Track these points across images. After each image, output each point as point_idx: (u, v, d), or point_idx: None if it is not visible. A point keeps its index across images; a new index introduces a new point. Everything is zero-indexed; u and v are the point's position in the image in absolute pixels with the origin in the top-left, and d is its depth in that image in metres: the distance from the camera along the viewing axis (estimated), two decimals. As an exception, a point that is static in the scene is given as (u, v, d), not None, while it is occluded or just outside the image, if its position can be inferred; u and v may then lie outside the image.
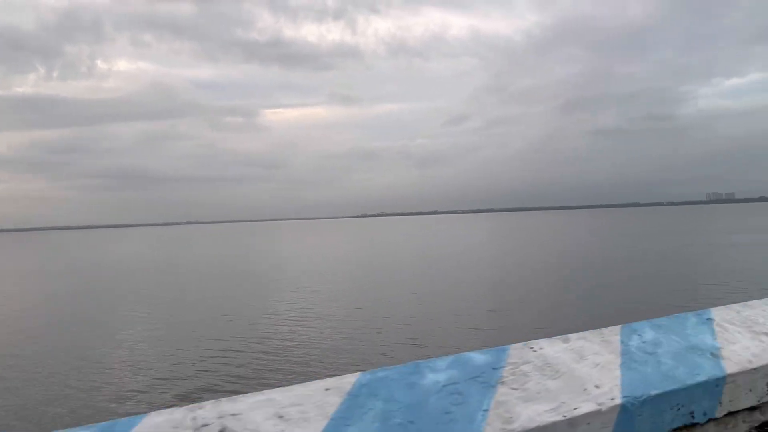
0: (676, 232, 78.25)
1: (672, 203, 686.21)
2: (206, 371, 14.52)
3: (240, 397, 1.39)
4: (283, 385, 1.38)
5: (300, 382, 1.44)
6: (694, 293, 24.41)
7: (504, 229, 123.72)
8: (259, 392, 1.41)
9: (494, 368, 1.77)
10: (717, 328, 2.21)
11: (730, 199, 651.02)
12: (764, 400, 2.05)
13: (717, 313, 2.38)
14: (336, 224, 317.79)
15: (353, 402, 1.43)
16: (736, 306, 2.46)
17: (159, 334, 19.85)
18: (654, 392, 1.70)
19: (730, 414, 1.96)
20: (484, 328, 18.94)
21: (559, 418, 1.51)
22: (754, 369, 1.97)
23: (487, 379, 1.70)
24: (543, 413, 1.51)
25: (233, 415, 1.32)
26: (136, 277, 41.65)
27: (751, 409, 2.09)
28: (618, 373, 1.76)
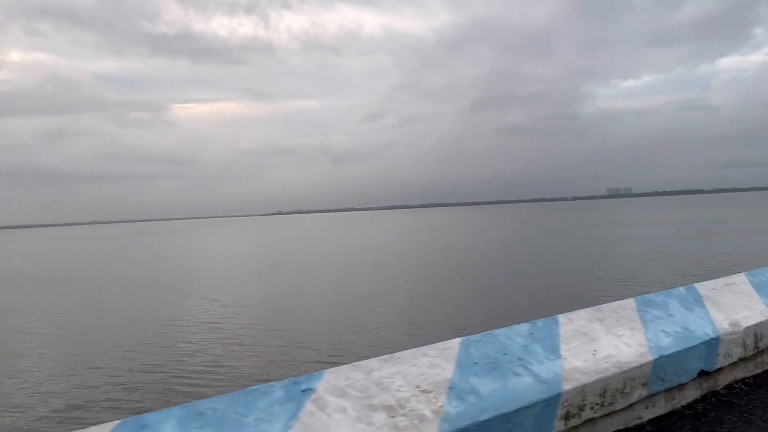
0: (582, 226, 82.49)
1: (575, 198, 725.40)
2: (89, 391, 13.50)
3: None
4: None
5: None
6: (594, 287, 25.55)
7: (419, 226, 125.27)
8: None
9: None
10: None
11: (627, 194, 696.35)
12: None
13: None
14: (251, 222, 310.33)
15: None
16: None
17: (48, 350, 18.41)
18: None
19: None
20: (391, 330, 18.87)
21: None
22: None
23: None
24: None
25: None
26: (25, 284, 38.66)
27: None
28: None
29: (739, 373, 3.64)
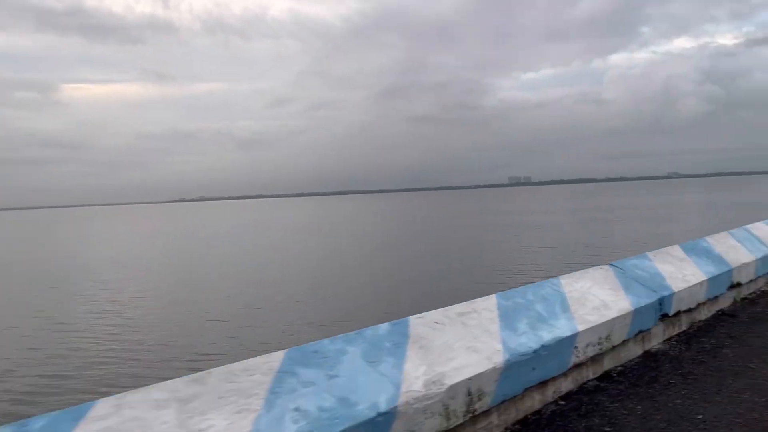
0: (477, 213, 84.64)
1: (479, 186, 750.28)
2: None
3: None
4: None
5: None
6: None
7: (326, 214, 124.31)
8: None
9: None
10: None
11: (527, 183, 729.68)
12: None
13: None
14: (151, 210, 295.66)
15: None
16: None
17: None
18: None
19: None
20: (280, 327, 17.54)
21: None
22: None
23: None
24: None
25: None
26: None
27: None
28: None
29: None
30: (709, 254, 5.77)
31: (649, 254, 5.20)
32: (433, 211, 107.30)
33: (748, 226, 7.11)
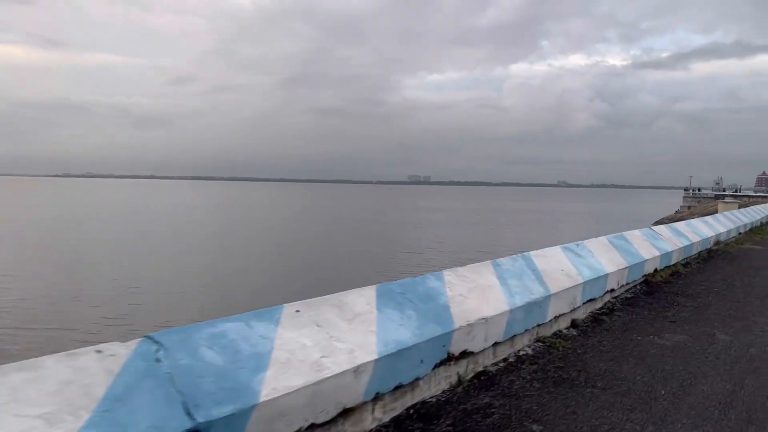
0: (375, 209, 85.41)
1: (380, 182, 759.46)
2: None
3: None
4: None
5: None
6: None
7: (219, 198, 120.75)
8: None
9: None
10: None
11: (427, 182, 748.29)
12: None
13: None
14: (30, 183, 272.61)
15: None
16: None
17: None
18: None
19: None
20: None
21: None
22: None
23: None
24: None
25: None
26: None
27: None
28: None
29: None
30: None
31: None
32: (330, 203, 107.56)
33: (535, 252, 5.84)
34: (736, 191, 79.43)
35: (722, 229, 12.87)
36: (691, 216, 53.14)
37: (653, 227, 9.64)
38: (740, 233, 14.74)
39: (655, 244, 8.40)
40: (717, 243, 11.72)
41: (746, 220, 16.48)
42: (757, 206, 24.70)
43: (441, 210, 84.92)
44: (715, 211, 45.89)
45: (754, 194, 73.66)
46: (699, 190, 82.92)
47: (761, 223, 18.87)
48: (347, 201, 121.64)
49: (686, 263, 9.29)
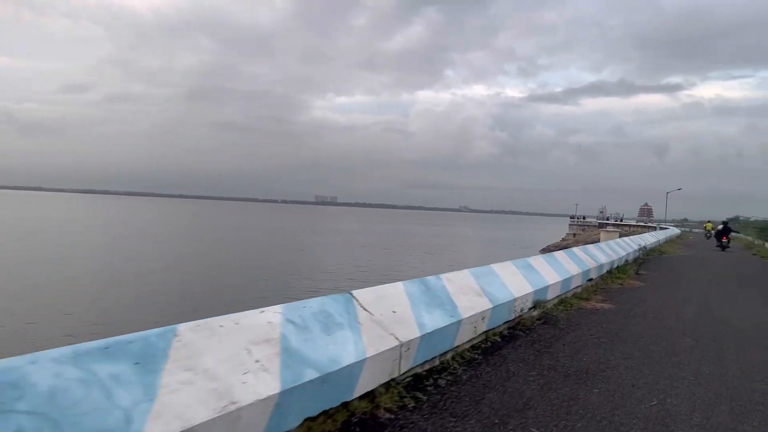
0: (280, 229, 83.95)
1: (285, 201, 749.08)
2: None
3: None
4: None
5: None
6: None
7: (117, 214, 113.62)
8: None
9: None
10: None
11: (333, 202, 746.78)
12: None
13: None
14: None
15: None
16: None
17: None
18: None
19: None
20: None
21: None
22: None
23: None
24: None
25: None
26: None
27: None
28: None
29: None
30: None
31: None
32: (226, 220, 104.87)
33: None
34: (620, 220, 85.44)
35: (553, 279, 8.17)
36: (576, 243, 56.89)
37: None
38: (590, 280, 10.68)
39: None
40: (535, 306, 7.17)
41: (603, 259, 12.32)
42: (633, 236, 26.17)
43: (342, 231, 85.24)
44: (598, 239, 49.57)
45: (635, 223, 79.81)
46: (584, 218, 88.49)
47: (626, 261, 15.34)
48: (243, 219, 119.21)
49: (475, 347, 5.44)
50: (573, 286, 9.48)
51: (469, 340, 5.35)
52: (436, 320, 4.73)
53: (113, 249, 41.75)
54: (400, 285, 4.90)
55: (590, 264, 11.03)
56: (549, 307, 7.89)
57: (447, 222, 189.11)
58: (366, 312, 4.09)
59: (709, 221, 62.91)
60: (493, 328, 5.92)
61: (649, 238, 24.36)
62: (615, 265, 13.66)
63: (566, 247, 14.89)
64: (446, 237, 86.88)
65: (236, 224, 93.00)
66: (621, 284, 11.78)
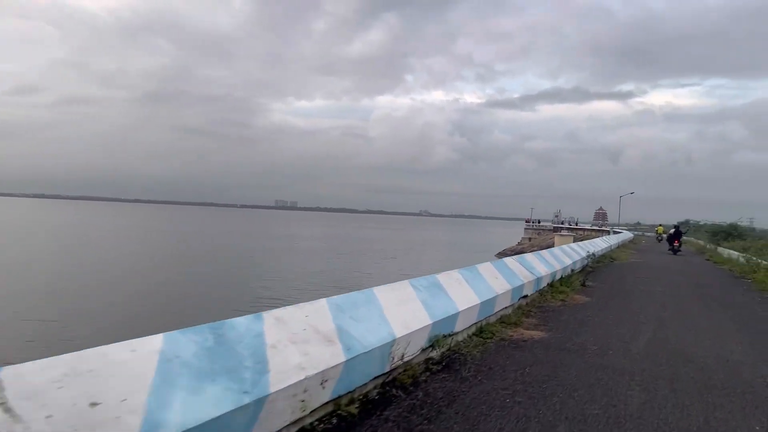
0: (251, 234, 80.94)
1: (245, 206, 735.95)
2: None
3: None
4: None
5: None
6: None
7: (68, 219, 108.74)
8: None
9: None
10: None
11: (294, 207, 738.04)
12: None
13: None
14: None
15: None
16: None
17: None
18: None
19: None
20: None
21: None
22: None
23: None
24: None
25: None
26: None
27: None
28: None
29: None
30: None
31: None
32: (177, 227, 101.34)
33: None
34: (575, 224, 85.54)
35: (467, 303, 6.32)
36: (531, 248, 55.97)
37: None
38: (524, 297, 8.87)
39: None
40: (433, 344, 5.27)
41: (542, 271, 10.39)
42: (584, 242, 23.96)
43: (296, 237, 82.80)
44: (554, 243, 48.58)
45: (589, 227, 79.75)
46: (539, 222, 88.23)
47: (572, 271, 13.52)
48: (197, 224, 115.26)
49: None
50: (499, 308, 7.58)
51: (291, 423, 3.32)
52: (204, 407, 2.70)
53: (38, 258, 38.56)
54: (144, 343, 2.84)
55: (525, 278, 9.16)
56: (458, 341, 5.94)
57: (406, 226, 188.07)
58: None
59: (660, 225, 64.01)
60: (349, 392, 3.90)
61: (600, 244, 22.94)
62: (558, 276, 11.90)
63: (521, 252, 13.72)
64: (400, 242, 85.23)
65: (187, 230, 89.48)
66: (563, 300, 10.01)
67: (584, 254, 16.32)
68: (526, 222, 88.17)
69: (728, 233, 32.82)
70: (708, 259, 25.68)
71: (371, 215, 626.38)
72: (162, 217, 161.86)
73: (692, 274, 17.90)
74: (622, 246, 33.32)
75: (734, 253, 23.63)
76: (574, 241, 25.36)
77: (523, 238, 79.52)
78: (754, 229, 34.33)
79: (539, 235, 75.76)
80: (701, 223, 77.30)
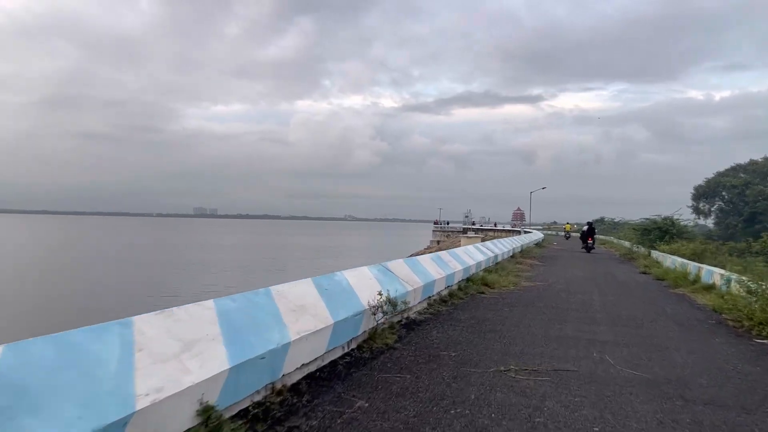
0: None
1: (161, 215, 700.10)
2: None
3: None
4: None
5: None
6: None
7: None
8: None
9: None
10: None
11: (214, 215, 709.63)
12: None
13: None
14: None
15: None
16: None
17: None
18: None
19: None
20: None
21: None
22: None
23: None
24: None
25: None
26: None
27: None
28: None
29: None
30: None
31: None
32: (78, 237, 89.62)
33: None
34: (487, 225, 78.79)
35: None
36: (440, 251, 47.35)
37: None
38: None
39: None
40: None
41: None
42: (488, 242, 18.09)
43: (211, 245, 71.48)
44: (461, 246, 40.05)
45: (499, 228, 72.25)
46: (447, 223, 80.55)
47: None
48: (101, 235, 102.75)
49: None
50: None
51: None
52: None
53: None
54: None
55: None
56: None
57: (327, 231, 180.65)
58: None
59: (567, 222, 59.19)
60: None
61: (477, 256, 13.49)
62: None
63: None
64: (305, 249, 75.11)
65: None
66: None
67: (407, 289, 6.98)
68: (435, 224, 79.94)
69: (665, 231, 24.34)
70: (645, 272, 16.97)
71: (295, 221, 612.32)
72: (67, 228, 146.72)
73: (635, 312, 8.78)
74: (524, 252, 24.32)
75: (688, 264, 14.98)
76: (482, 242, 19.36)
77: (431, 240, 71.11)
78: (687, 228, 26.08)
79: (448, 238, 67.49)
80: (616, 220, 70.81)
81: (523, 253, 23.18)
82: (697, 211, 64.27)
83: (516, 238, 27.59)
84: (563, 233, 52.36)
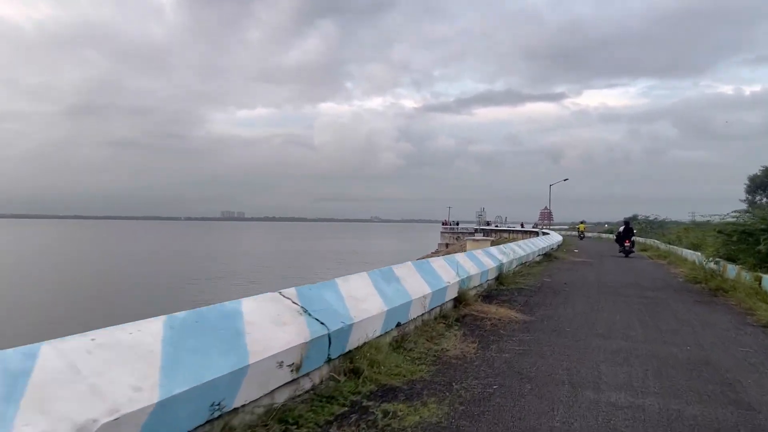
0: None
1: (189, 218, 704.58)
2: None
3: None
4: None
5: None
6: None
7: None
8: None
9: None
10: None
11: (241, 218, 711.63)
12: None
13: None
14: None
15: None
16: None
17: None
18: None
19: None
20: None
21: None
22: None
23: None
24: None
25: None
26: None
27: None
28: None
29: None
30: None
31: None
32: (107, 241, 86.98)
33: None
34: (499, 225, 70.41)
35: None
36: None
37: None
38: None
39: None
40: None
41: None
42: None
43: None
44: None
45: (513, 229, 62.84)
46: (457, 224, 71.79)
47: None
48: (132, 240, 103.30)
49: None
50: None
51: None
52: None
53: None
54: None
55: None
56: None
57: (349, 234, 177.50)
58: None
59: (582, 222, 51.65)
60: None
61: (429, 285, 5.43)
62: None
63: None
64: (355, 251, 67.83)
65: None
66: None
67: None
68: (443, 225, 71.17)
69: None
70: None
71: (322, 223, 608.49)
72: (103, 233, 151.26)
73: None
74: (526, 267, 15.70)
75: None
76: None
77: (439, 243, 62.65)
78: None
79: (458, 240, 58.95)
80: (651, 218, 53.08)
81: (514, 273, 14.54)
82: (753, 205, 54.17)
83: (521, 243, 19.09)
84: (576, 233, 49.13)
